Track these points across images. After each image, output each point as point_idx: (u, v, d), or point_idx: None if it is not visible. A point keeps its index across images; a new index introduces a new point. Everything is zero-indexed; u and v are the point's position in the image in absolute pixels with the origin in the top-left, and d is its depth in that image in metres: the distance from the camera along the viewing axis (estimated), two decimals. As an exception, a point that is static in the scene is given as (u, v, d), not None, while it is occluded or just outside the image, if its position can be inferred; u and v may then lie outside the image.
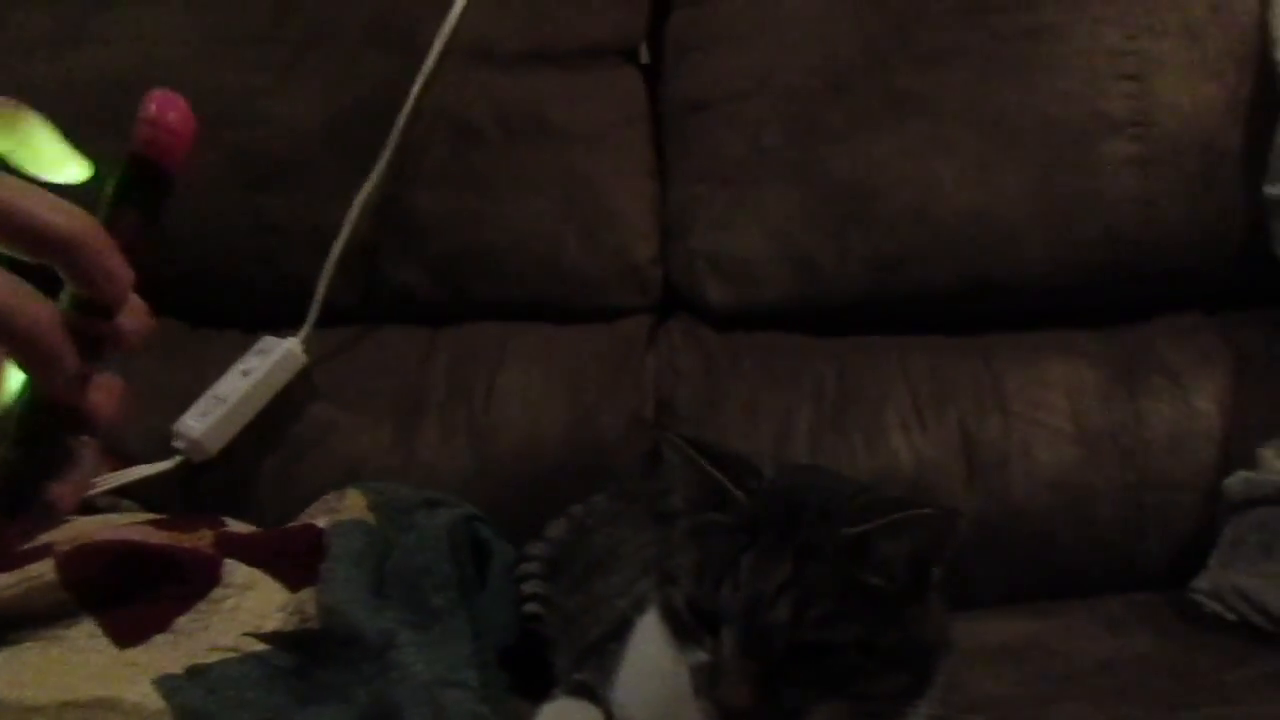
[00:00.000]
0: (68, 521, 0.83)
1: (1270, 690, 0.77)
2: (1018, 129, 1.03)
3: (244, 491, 1.02)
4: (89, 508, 0.93)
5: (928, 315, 1.08)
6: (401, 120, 1.05)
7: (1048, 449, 1.00)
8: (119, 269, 0.40)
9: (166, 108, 0.41)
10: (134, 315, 0.42)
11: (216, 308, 1.11)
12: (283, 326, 1.06)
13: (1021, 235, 1.04)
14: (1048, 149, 1.03)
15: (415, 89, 1.05)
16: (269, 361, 1.02)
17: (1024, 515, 0.98)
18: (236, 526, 0.90)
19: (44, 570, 0.73)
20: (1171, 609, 0.92)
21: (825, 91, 1.06)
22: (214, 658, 0.71)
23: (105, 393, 0.43)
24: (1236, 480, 0.93)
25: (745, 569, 0.58)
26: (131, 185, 0.42)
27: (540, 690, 0.74)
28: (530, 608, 0.86)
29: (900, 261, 1.05)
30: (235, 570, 0.78)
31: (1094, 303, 1.07)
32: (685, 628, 0.60)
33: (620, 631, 0.69)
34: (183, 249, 1.07)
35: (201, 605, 0.75)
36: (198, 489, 1.01)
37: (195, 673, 0.69)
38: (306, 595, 0.76)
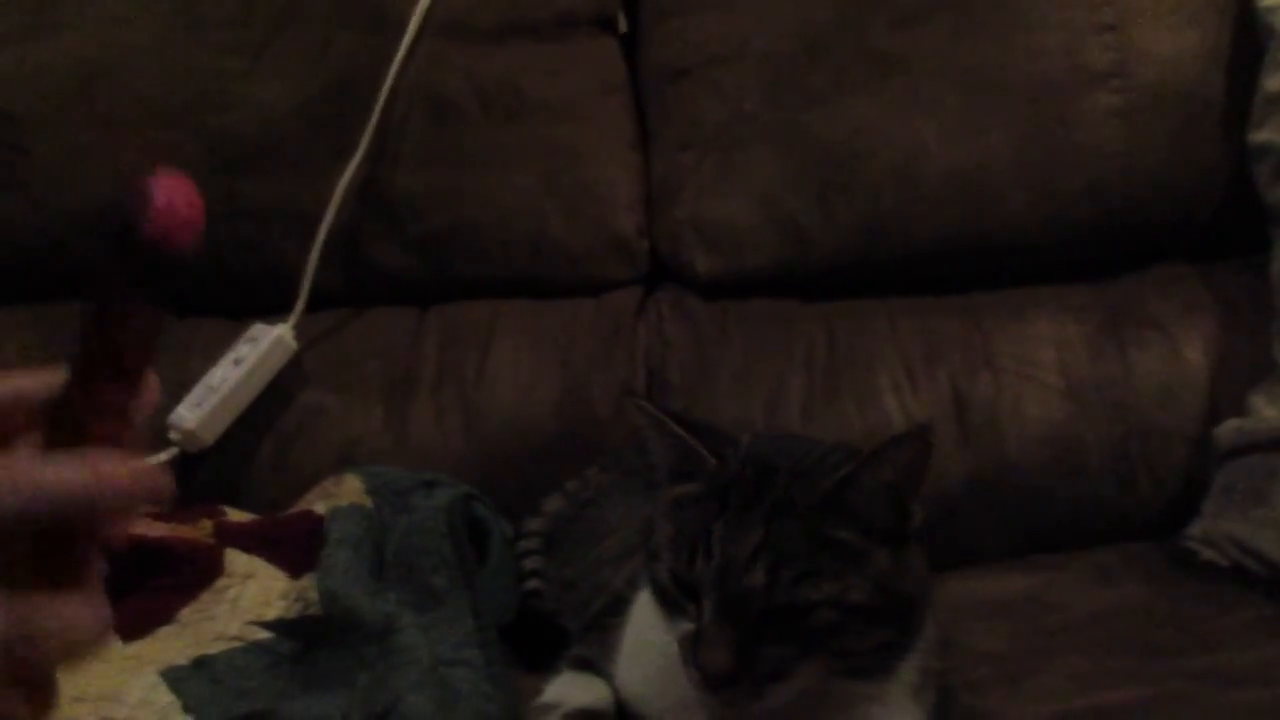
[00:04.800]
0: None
1: (1261, 635, 0.78)
2: (999, 85, 1.02)
3: (240, 480, 1.02)
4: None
5: (915, 276, 1.08)
6: (380, 100, 1.04)
7: (1038, 404, 1.00)
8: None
9: (174, 194, 0.37)
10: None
11: (202, 296, 1.11)
12: (270, 312, 1.06)
13: (1006, 192, 1.03)
14: (1029, 104, 1.02)
15: (393, 67, 1.04)
16: (259, 349, 1.02)
17: (1017, 471, 0.99)
18: (236, 515, 0.90)
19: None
20: (1165, 558, 0.93)
21: (804, 55, 1.05)
22: (219, 647, 0.72)
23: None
24: (1227, 428, 0.94)
25: (718, 537, 0.59)
26: (145, 279, 0.38)
27: (541, 664, 0.75)
28: (530, 584, 0.87)
29: (886, 223, 1.05)
30: (236, 560, 0.78)
31: (1080, 256, 1.07)
32: (671, 600, 0.61)
33: (618, 608, 0.70)
34: (165, 238, 1.06)
35: (204, 595, 0.76)
36: (194, 479, 1.01)
37: (201, 663, 0.70)
38: (307, 582, 0.77)
